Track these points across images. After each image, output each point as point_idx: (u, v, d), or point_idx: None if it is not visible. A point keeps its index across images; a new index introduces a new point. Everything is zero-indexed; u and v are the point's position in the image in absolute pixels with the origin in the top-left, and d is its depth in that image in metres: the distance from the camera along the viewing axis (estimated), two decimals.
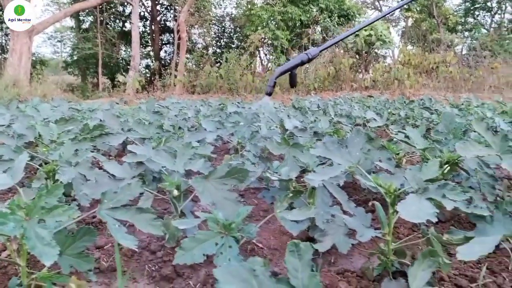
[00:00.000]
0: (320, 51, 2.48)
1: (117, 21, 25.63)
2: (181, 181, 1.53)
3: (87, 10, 22.09)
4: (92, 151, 2.17)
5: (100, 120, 3.59)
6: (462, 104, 6.38)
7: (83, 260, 1.01)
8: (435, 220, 0.97)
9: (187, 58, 20.86)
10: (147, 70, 24.96)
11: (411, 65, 14.68)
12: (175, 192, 1.53)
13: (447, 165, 1.87)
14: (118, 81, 15.51)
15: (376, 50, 16.62)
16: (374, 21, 2.58)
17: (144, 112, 4.42)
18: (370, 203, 1.97)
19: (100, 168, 2.01)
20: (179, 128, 3.70)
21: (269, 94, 2.22)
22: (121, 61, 25.15)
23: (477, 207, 1.04)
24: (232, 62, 15.57)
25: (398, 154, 2.31)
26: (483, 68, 14.74)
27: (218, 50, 23.92)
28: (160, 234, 1.16)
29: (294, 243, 0.82)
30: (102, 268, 1.40)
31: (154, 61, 23.31)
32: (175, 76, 17.00)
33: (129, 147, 1.98)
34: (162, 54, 25.91)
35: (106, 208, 1.06)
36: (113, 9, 23.92)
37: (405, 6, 23.12)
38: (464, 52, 21.86)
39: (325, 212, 1.46)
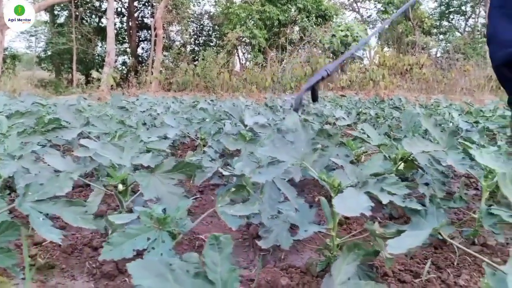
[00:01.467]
0: (336, 66, 2.53)
1: (93, 16, 25.17)
2: (127, 175, 1.49)
3: (62, 5, 21.61)
4: (43, 146, 2.10)
5: None
6: (432, 104, 6.49)
7: (5, 255, 0.96)
8: (369, 213, 0.95)
9: (164, 55, 20.63)
10: (123, 67, 24.57)
11: (386, 66, 14.88)
12: (120, 187, 1.49)
13: (401, 161, 1.87)
14: (93, 77, 15.20)
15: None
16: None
17: (111, 108, 4.32)
18: (316, 199, 1.97)
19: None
20: (144, 123, 3.64)
21: (296, 110, 2.24)
22: (97, 57, 24.69)
23: (412, 201, 1.03)
24: (209, 60, 15.47)
25: (357, 151, 2.31)
26: (455, 71, 15.05)
27: (196, 48, 23.73)
28: (93, 228, 1.11)
29: (214, 236, 0.79)
30: (38, 265, 1.34)
31: (130, 58, 22.99)
32: (152, 73, 16.80)
33: (81, 141, 1.92)
34: (139, 51, 25.54)
35: (30, 201, 1.01)
36: (89, 4, 23.47)
37: (381, 8, 23.22)
38: (439, 54, 22.29)
39: (272, 208, 1.44)
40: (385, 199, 1.02)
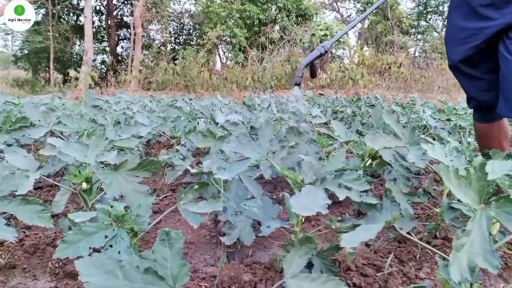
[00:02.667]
0: (332, 43, 2.64)
1: (71, 14, 24.72)
2: (91, 173, 1.47)
3: (39, 2, 21.16)
4: (10, 145, 2.06)
5: None
6: (408, 103, 6.59)
7: None
8: (325, 212, 0.96)
9: (144, 54, 20.43)
10: (102, 66, 24.22)
11: (365, 65, 15.04)
12: (84, 185, 1.47)
13: (369, 158, 1.90)
14: (70, 76, 14.94)
15: (332, 50, 16.90)
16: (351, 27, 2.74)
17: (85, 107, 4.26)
18: (280, 194, 1.98)
19: None
20: (118, 122, 3.60)
21: (298, 84, 2.32)
22: (75, 56, 24.26)
23: (369, 196, 1.04)
24: (189, 59, 15.39)
25: (328, 148, 2.33)
26: (433, 70, 15.30)
27: (176, 47, 23.55)
28: (50, 227, 1.10)
29: (165, 232, 0.79)
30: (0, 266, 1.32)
31: (109, 57, 22.68)
32: (131, 72, 16.61)
33: (48, 140, 1.90)
34: (118, 49, 25.20)
35: None
36: (67, 2, 23.04)
37: (360, 8, 23.49)
38: (417, 54, 22.62)
39: (237, 205, 1.44)
40: (341, 195, 1.03)
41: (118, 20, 24.89)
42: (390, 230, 1.67)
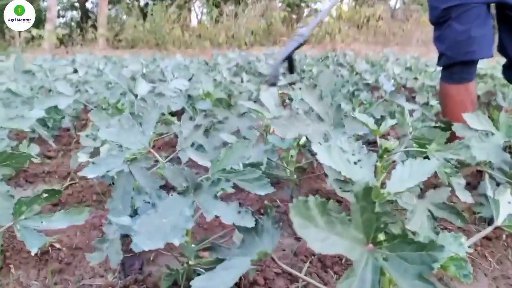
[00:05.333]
0: (311, 29, 2.30)
1: None
2: None
3: None
4: None
5: None
6: (380, 60, 6.27)
7: None
8: (180, 241, 0.70)
9: (117, 9, 19.41)
10: (73, 23, 22.98)
11: (343, 19, 14.53)
12: None
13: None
14: (33, 35, 14.05)
15: (309, 4, 16.28)
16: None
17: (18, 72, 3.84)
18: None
19: None
20: (49, 91, 3.25)
21: (274, 84, 1.96)
22: (43, 13, 22.95)
23: (248, 214, 0.77)
24: (159, 14, 14.60)
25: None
26: (412, 22, 14.89)
27: (150, 2, 22.42)
28: None
29: None
30: None
31: (79, 13, 21.52)
32: (99, 29, 15.73)
33: None
34: (88, 5, 23.89)
35: None
36: None
37: None
38: (397, 6, 22.02)
39: (124, 207, 1.17)
40: (209, 214, 0.76)
41: None
42: None
